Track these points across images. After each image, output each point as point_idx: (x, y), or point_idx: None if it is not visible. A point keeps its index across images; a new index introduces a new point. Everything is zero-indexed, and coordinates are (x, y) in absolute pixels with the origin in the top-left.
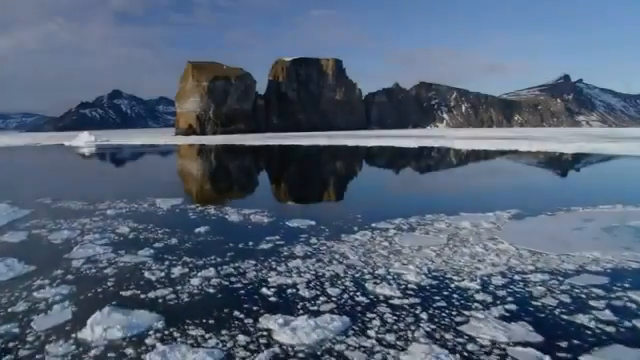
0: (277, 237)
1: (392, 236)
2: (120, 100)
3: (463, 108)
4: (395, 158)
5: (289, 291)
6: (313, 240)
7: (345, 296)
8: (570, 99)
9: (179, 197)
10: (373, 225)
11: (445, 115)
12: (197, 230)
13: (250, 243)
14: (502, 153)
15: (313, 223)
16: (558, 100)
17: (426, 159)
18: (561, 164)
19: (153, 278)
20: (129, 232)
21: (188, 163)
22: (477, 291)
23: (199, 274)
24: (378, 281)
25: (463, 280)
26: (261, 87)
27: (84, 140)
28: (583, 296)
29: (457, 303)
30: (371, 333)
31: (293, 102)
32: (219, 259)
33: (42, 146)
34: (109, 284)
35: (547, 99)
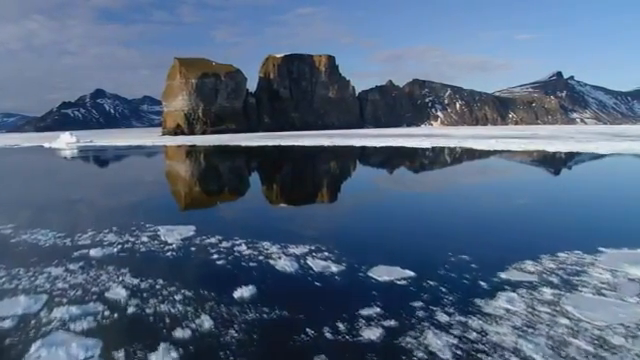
0: (376, 308)
1: (557, 301)
2: (103, 99)
3: (457, 106)
4: (421, 161)
5: None
6: (439, 315)
7: None
8: (563, 96)
9: (188, 222)
10: (503, 276)
11: (439, 113)
12: (237, 294)
13: (340, 326)
14: (534, 155)
15: (411, 274)
16: (552, 97)
17: (460, 163)
18: (623, 169)
19: None
20: (127, 300)
21: (185, 169)
22: None
23: None
24: None
25: None
26: (250, 86)
27: (65, 141)
28: None
29: None
30: None
31: (285, 100)
32: None
33: (19, 148)
34: None
35: (541, 96)
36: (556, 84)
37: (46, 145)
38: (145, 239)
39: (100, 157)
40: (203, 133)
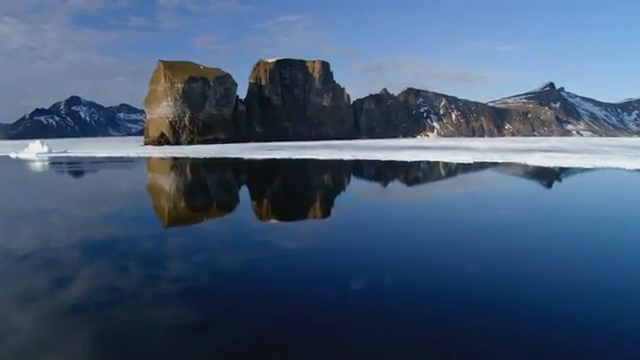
0: None
1: None
2: (79, 107)
3: (453, 116)
4: (501, 183)
5: None
6: None
7: None
8: (557, 107)
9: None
10: None
11: (435, 124)
12: None
13: None
14: (627, 174)
15: None
16: (547, 109)
17: (540, 184)
18: None
19: None
20: None
21: (200, 195)
22: None
23: None
24: None
25: None
26: (238, 93)
27: (35, 151)
28: None
29: None
30: None
31: (277, 108)
32: None
33: None
34: None
35: (536, 107)
36: (549, 95)
37: (13, 155)
38: None
39: (75, 172)
40: (190, 143)
